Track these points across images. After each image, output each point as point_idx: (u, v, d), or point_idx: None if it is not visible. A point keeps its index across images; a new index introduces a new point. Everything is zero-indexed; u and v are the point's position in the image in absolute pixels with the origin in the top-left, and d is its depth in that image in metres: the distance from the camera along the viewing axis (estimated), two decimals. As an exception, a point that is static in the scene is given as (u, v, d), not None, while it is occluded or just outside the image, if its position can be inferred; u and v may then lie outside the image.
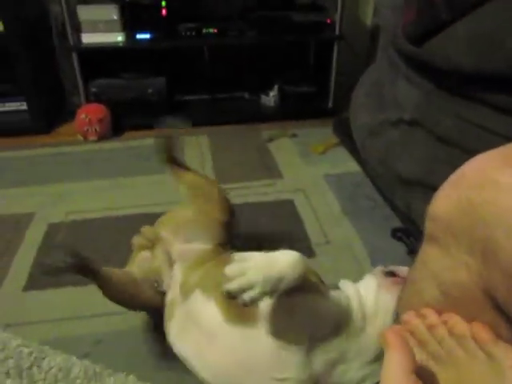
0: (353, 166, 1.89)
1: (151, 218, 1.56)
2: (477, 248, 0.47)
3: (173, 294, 0.97)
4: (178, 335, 0.90)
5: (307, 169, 1.89)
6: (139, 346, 1.10)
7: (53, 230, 1.53)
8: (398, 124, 1.50)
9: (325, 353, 0.80)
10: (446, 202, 0.53)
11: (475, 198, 0.48)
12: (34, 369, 0.22)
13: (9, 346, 0.22)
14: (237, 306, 0.70)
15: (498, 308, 0.47)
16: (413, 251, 1.43)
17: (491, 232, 0.45)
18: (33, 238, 1.49)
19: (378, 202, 1.64)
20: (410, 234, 1.48)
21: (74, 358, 0.24)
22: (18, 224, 1.56)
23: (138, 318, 1.18)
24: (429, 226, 0.55)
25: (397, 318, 0.62)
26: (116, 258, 1.38)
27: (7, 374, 0.22)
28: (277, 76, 2.43)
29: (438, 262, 0.53)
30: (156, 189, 1.75)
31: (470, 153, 1.28)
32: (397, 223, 1.51)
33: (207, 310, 0.85)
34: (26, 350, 0.22)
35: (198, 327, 0.85)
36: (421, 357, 0.52)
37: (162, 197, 1.69)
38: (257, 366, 0.78)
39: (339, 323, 0.81)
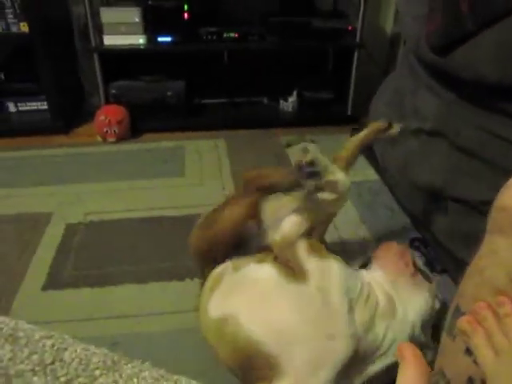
0: (371, 174, 1.88)
1: (168, 221, 1.58)
2: None
3: (222, 268, 0.97)
4: (222, 302, 0.91)
5: (325, 176, 1.88)
6: (155, 349, 1.10)
7: (71, 230, 1.54)
8: (418, 133, 1.49)
9: (360, 316, 0.86)
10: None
11: None
12: (57, 364, 0.22)
13: (32, 340, 0.23)
14: (289, 266, 0.85)
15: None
16: (430, 261, 1.42)
17: None
18: (51, 237, 1.50)
19: (395, 211, 1.63)
20: (427, 244, 1.47)
21: (93, 347, 0.25)
22: (37, 223, 1.57)
23: (153, 322, 1.18)
24: (497, 217, 0.57)
25: (457, 312, 0.62)
26: (134, 260, 1.40)
27: (33, 372, 0.22)
28: (296, 82, 2.43)
29: (508, 251, 0.55)
30: (173, 192, 1.76)
31: (490, 164, 1.28)
32: (414, 233, 1.49)
33: (263, 272, 0.90)
34: (48, 343, 0.23)
35: (251, 289, 0.89)
36: (485, 351, 0.53)
37: (178, 200, 1.70)
38: (309, 322, 0.82)
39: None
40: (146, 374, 0.25)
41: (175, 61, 2.32)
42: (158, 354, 1.08)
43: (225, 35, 2.18)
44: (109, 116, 2.11)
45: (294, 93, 2.39)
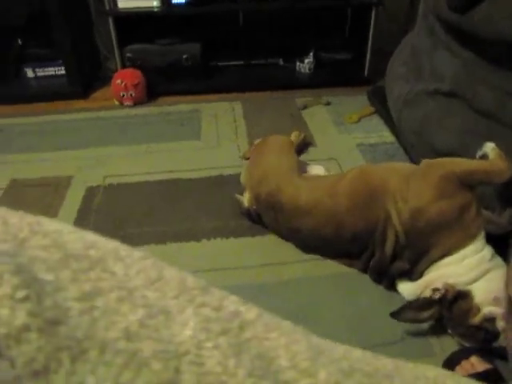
0: (387, 135, 1.87)
1: (185, 183, 1.60)
2: None
3: None
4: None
5: (341, 137, 1.88)
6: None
7: (91, 193, 1.58)
8: (436, 95, 1.47)
9: None
10: None
11: None
12: (162, 281, 0.24)
13: (133, 256, 0.25)
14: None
15: None
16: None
17: None
18: (72, 200, 1.54)
19: (411, 173, 1.63)
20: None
21: (184, 271, 0.27)
22: (58, 187, 1.61)
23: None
24: None
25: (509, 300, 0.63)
26: (153, 221, 1.43)
27: (145, 287, 0.24)
28: (312, 42, 2.39)
29: None
30: (190, 154, 1.78)
31: (508, 126, 1.26)
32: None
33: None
34: (148, 262, 0.25)
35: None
36: None
37: (195, 162, 1.72)
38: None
39: None
40: (234, 298, 0.27)
41: (190, 23, 2.31)
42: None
43: (240, -5, 2.14)
44: (125, 80, 2.11)
45: (311, 54, 2.35)
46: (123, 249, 0.31)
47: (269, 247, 1.32)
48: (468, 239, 1.02)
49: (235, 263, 1.27)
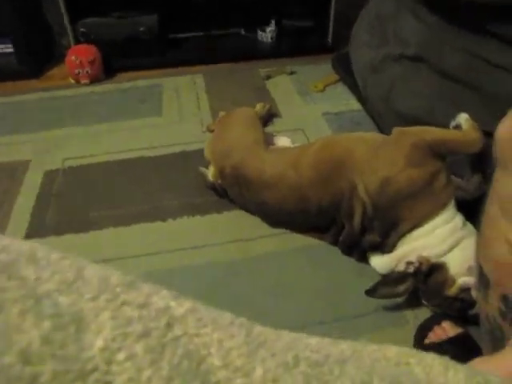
0: (353, 103, 1.84)
1: (148, 162, 1.55)
2: None
3: None
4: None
5: (306, 107, 1.85)
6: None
7: (50, 177, 1.51)
8: (401, 59, 1.45)
9: None
10: (505, 124, 0.57)
11: None
12: (79, 282, 0.22)
13: (51, 260, 0.23)
14: None
15: None
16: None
17: None
18: (30, 185, 1.47)
19: (378, 140, 1.61)
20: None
21: (109, 267, 0.25)
22: (15, 172, 1.54)
23: (138, 264, 1.18)
24: (495, 151, 0.58)
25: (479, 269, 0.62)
26: (116, 203, 1.38)
27: (59, 291, 0.22)
28: (274, 10, 2.32)
29: (501, 182, 0.57)
30: (151, 132, 1.72)
31: (475, 89, 1.25)
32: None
33: None
34: (66, 263, 0.23)
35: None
36: None
37: (157, 140, 1.66)
38: None
39: None
40: (165, 292, 0.25)
41: (146, -7, 2.20)
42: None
43: (196, -38, 2.05)
44: (79, 56, 2.01)
45: (272, 22, 2.29)
46: (41, 250, 0.28)
47: (236, 223, 1.29)
48: (438, 208, 1.01)
49: (203, 241, 1.23)
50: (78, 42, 2.12)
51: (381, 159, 1.05)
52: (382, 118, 1.55)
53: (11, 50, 2.13)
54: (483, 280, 0.60)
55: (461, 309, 0.98)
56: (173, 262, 1.18)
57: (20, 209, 1.38)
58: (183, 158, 1.55)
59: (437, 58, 1.32)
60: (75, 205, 1.39)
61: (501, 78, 1.15)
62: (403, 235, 1.03)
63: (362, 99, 1.78)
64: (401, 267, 1.02)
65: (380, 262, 1.08)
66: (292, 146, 1.39)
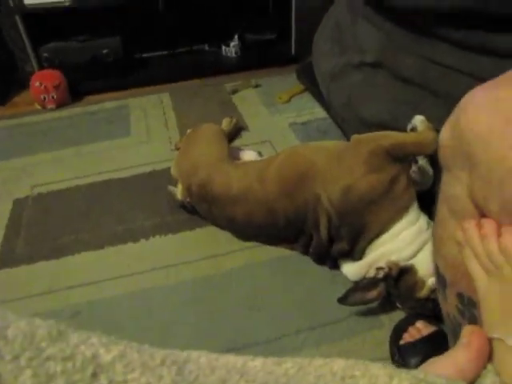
0: (319, 112, 1.87)
1: (118, 183, 1.55)
2: (465, 164, 0.54)
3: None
4: None
5: (273, 119, 1.87)
6: (116, 314, 1.11)
7: (19, 205, 1.49)
8: (361, 67, 1.48)
9: None
10: (446, 129, 0.59)
11: (462, 120, 0.55)
12: (0, 343, 0.22)
13: None
14: None
15: (484, 216, 0.53)
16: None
17: (473, 148, 0.52)
18: (-1, 215, 1.45)
19: (345, 147, 1.63)
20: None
21: (38, 320, 0.25)
22: (-18, 202, 1.52)
23: (112, 287, 1.18)
24: (439, 155, 0.61)
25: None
26: (88, 227, 1.37)
27: None
28: (236, 24, 2.35)
29: (446, 184, 0.59)
30: (120, 153, 1.72)
31: (432, 91, 1.28)
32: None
33: None
34: None
35: None
36: (475, 266, 0.53)
37: (126, 160, 1.66)
38: None
39: None
40: (95, 340, 0.25)
41: (107, 15, 2.20)
42: (120, 318, 1.09)
43: (155, -19, 2.07)
44: (44, 82, 2.00)
45: (236, 36, 2.32)
46: None
47: (208, 239, 1.30)
48: (402, 211, 1.02)
49: (176, 260, 1.23)
50: (41, 67, 2.11)
51: (341, 167, 1.06)
52: (346, 125, 1.58)
53: (-27, 79, 2.11)
54: (440, 279, 0.62)
55: (433, 309, 0.99)
56: (147, 282, 1.18)
57: (-11, 239, 1.37)
58: (153, 178, 1.55)
59: (394, 64, 1.35)
60: (46, 231, 1.38)
61: (454, 79, 1.18)
62: (371, 241, 1.04)
63: (326, 107, 1.81)
64: (371, 273, 1.03)
65: (351, 270, 1.09)
66: (258, 159, 1.40)
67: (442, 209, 0.60)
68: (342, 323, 1.05)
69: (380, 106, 1.39)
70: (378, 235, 1.03)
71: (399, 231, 1.02)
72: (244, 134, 1.76)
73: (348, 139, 1.49)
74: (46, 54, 2.10)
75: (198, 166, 1.28)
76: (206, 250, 1.26)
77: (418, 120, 1.11)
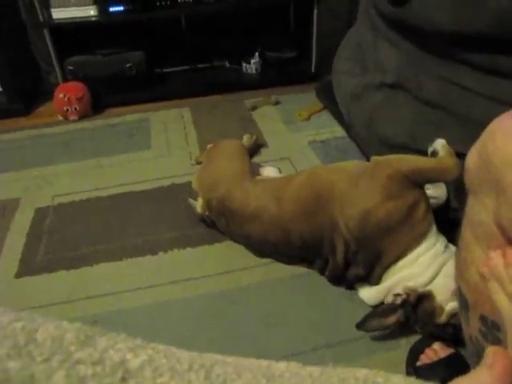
0: (338, 130, 1.88)
1: (137, 196, 1.57)
2: (492, 189, 0.54)
3: None
4: None
5: (292, 136, 1.88)
6: (134, 325, 1.12)
7: (40, 214, 1.52)
8: (381, 87, 1.49)
9: None
10: (472, 154, 0.59)
11: (489, 146, 0.55)
12: (31, 345, 0.23)
13: (1, 325, 0.23)
14: None
15: (510, 241, 0.53)
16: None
17: (501, 174, 0.52)
18: (21, 223, 1.48)
19: (364, 166, 1.64)
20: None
21: (66, 323, 0.25)
22: (4, 210, 1.54)
23: (130, 298, 1.19)
24: (465, 179, 0.61)
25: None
26: (107, 238, 1.39)
27: (8, 356, 0.22)
28: (257, 42, 2.39)
29: (471, 209, 0.59)
30: (141, 165, 1.74)
31: (453, 113, 1.29)
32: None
33: None
34: (18, 325, 0.23)
35: None
36: (500, 296, 0.53)
37: (147, 173, 1.68)
38: None
39: None
40: (122, 345, 0.25)
41: (131, 31, 2.26)
42: (137, 329, 1.10)
43: (179, 0, 2.11)
44: (68, 94, 2.05)
45: (256, 54, 2.35)
46: None
47: (227, 254, 1.30)
48: (419, 238, 1.01)
49: (194, 274, 1.24)
50: (65, 79, 2.16)
51: (359, 191, 1.05)
52: (366, 145, 1.59)
53: (0, 89, 2.16)
54: (463, 301, 0.62)
55: (453, 333, 0.98)
56: (165, 295, 1.18)
57: (11, 247, 1.39)
58: (173, 191, 1.56)
59: (414, 85, 1.36)
60: (66, 241, 1.39)
61: (474, 101, 1.19)
62: (388, 267, 1.04)
63: (346, 126, 1.82)
64: (389, 299, 1.03)
65: (368, 295, 1.08)
66: (279, 175, 1.41)
67: (466, 233, 0.60)
68: (358, 342, 1.04)
69: (400, 126, 1.39)
70: (395, 261, 1.03)
71: (417, 256, 1.01)
72: (263, 150, 1.78)
73: (367, 159, 1.50)
74: (70, 67, 2.14)
75: (218, 181, 1.29)
76: (224, 264, 1.26)
77: (440, 144, 1.10)
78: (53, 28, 2.04)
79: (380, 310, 1.03)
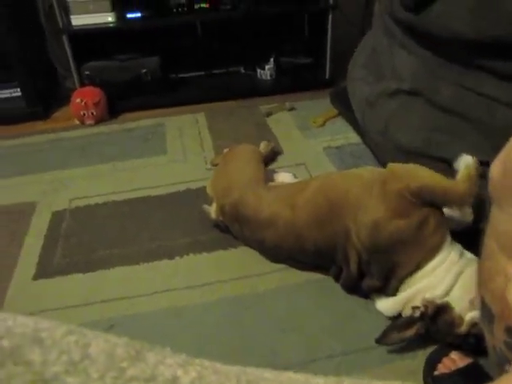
0: (353, 137, 1.88)
1: (153, 201, 1.58)
2: None
3: None
4: None
5: (307, 142, 1.88)
6: (150, 329, 1.12)
7: (57, 217, 1.53)
8: (397, 94, 1.49)
9: None
10: (496, 164, 0.58)
11: None
12: (86, 361, 0.23)
13: (56, 339, 0.23)
14: None
15: None
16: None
17: None
18: (38, 226, 1.50)
19: (379, 173, 1.64)
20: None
21: (114, 337, 0.26)
22: (22, 214, 1.56)
23: (146, 302, 1.19)
24: (489, 189, 0.60)
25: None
26: (123, 242, 1.40)
27: (67, 373, 0.23)
28: (272, 49, 2.39)
29: (496, 219, 0.59)
30: (156, 170, 1.75)
31: (470, 120, 1.28)
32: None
33: None
34: (72, 339, 0.23)
35: None
36: None
37: (162, 178, 1.69)
38: None
39: None
40: (171, 360, 0.26)
41: (148, 37, 2.28)
42: (154, 334, 1.10)
43: (195, 6, 2.13)
44: (85, 98, 2.07)
45: (271, 60, 2.36)
46: (44, 328, 0.28)
47: (242, 259, 1.31)
48: (433, 251, 1.01)
49: (210, 279, 1.24)
50: (82, 84, 2.18)
51: (372, 200, 1.04)
52: (381, 151, 1.59)
53: (19, 93, 2.19)
54: (486, 311, 0.62)
55: (475, 343, 0.96)
56: (181, 299, 1.19)
57: (28, 250, 1.40)
58: (188, 196, 1.57)
59: (431, 92, 1.36)
60: (83, 244, 1.41)
61: (491, 108, 1.19)
62: (403, 279, 1.03)
63: (360, 133, 1.81)
64: (407, 312, 1.02)
65: (385, 306, 1.07)
66: (293, 180, 1.41)
67: (490, 243, 0.60)
68: (375, 350, 1.04)
69: (416, 132, 1.39)
70: (410, 273, 1.02)
71: (433, 268, 1.01)
72: (279, 156, 1.78)
73: (383, 165, 1.50)
74: (87, 72, 2.17)
75: (232, 186, 1.30)
76: (240, 270, 1.27)
77: (464, 162, 1.08)
78: (71, 34, 2.06)
79: (399, 322, 1.02)
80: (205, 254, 1.33)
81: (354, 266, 1.08)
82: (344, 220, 1.07)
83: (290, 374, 0.35)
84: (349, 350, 1.04)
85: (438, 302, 0.98)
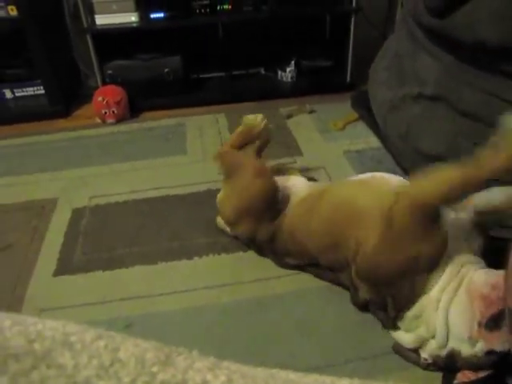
0: (373, 141, 1.86)
1: (173, 200, 1.58)
2: None
3: None
4: None
5: (327, 145, 1.88)
6: (168, 328, 1.13)
7: (77, 214, 1.55)
8: (420, 99, 1.47)
9: None
10: None
11: None
12: (117, 365, 0.23)
13: (85, 343, 0.23)
14: None
15: None
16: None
17: None
18: (58, 223, 1.51)
19: (399, 177, 1.63)
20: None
21: (142, 341, 0.26)
22: (43, 210, 1.58)
23: (164, 302, 1.20)
24: None
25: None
26: (143, 241, 1.41)
27: (98, 377, 0.23)
28: (293, 51, 2.40)
29: None
30: (176, 170, 1.76)
31: (494, 126, 1.27)
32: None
33: None
34: (101, 344, 0.23)
35: None
36: None
37: (182, 178, 1.70)
38: None
39: None
40: (200, 364, 0.26)
41: (170, 37, 2.29)
42: (172, 333, 1.11)
43: (218, 7, 2.14)
44: (106, 97, 2.09)
45: (292, 62, 2.36)
46: (73, 332, 0.28)
47: (261, 261, 1.30)
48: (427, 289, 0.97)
49: (229, 279, 1.25)
50: (104, 83, 2.20)
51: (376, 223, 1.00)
52: (402, 157, 1.57)
53: (42, 91, 2.22)
54: None
55: (498, 361, 0.92)
56: (200, 300, 1.19)
57: (49, 246, 1.42)
58: (208, 197, 1.57)
59: (455, 97, 1.34)
60: (102, 242, 1.42)
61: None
62: (405, 311, 1.00)
63: (381, 137, 1.80)
64: (424, 355, 0.99)
65: (403, 339, 1.03)
66: (306, 185, 1.34)
67: None
68: (392, 356, 1.03)
69: (438, 138, 1.38)
70: (408, 307, 1.00)
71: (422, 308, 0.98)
72: (298, 159, 1.78)
73: (404, 171, 1.49)
74: (109, 71, 2.19)
75: (239, 221, 1.27)
76: (259, 272, 1.27)
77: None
78: (95, 33, 2.09)
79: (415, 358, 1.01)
80: (224, 255, 1.33)
81: (363, 296, 1.08)
82: (353, 245, 1.05)
83: (316, 376, 0.35)
84: (366, 355, 1.04)
85: (444, 352, 0.96)
